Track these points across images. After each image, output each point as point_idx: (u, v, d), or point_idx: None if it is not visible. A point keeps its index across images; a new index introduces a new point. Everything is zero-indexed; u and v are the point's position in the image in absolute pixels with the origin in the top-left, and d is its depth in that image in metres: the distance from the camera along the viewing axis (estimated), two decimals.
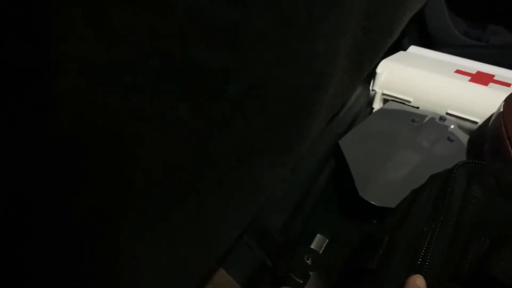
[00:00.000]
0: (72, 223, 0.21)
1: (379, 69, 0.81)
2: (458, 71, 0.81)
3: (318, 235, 0.54)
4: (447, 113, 0.76)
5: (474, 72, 0.82)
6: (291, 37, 0.29)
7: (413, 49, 0.96)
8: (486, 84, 0.76)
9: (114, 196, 0.21)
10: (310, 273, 0.48)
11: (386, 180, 0.61)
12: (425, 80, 0.79)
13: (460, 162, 0.46)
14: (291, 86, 0.32)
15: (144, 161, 0.22)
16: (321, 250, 0.53)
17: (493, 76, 0.80)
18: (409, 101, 0.80)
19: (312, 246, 0.53)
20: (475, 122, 0.73)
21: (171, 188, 0.25)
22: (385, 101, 0.84)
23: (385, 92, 0.82)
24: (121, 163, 0.20)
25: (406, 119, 0.75)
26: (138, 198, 0.23)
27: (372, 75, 0.82)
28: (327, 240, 0.54)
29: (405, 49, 0.96)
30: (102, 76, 0.17)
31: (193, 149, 0.25)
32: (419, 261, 0.38)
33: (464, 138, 0.72)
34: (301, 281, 0.46)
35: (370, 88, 0.84)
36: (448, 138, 0.70)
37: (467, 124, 0.75)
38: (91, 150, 0.19)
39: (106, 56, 0.17)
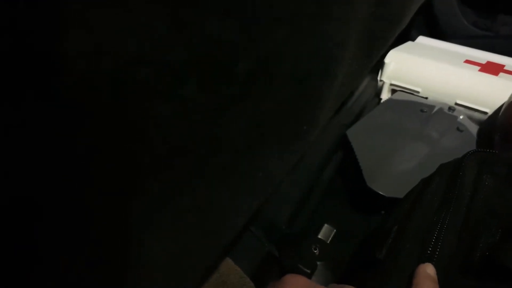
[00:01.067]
0: (76, 206, 0.20)
1: (387, 60, 0.81)
2: (467, 61, 0.80)
3: (326, 225, 0.54)
4: (456, 104, 0.75)
5: (484, 62, 0.80)
6: (302, 16, 0.29)
7: (421, 39, 0.95)
8: (496, 74, 0.75)
9: (119, 175, 0.21)
10: (318, 263, 0.47)
11: (394, 171, 0.61)
12: (434, 70, 0.78)
13: (470, 151, 0.46)
14: (301, 68, 0.32)
15: (149, 138, 0.21)
16: (329, 240, 0.53)
17: (503, 66, 0.79)
18: (417, 92, 0.79)
19: (319, 236, 0.53)
20: (485, 113, 0.73)
21: (178, 170, 0.25)
22: (393, 91, 0.83)
23: (393, 82, 0.81)
24: (125, 138, 0.20)
25: (415, 109, 0.74)
26: (143, 178, 0.23)
27: (380, 65, 0.81)
28: (335, 230, 0.54)
29: (413, 39, 0.95)
30: (107, 44, 0.17)
31: (200, 130, 0.25)
32: (429, 251, 0.38)
33: (474, 128, 0.71)
34: (309, 271, 0.46)
35: (378, 78, 0.83)
36: (457, 129, 0.70)
37: (477, 115, 0.74)
38: (94, 125, 0.18)
39: (110, 22, 0.17)
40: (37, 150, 0.17)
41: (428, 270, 0.36)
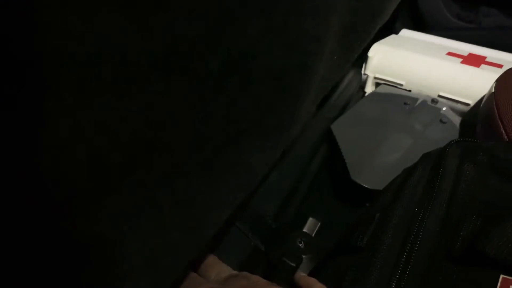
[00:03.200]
0: (49, 209, 0.20)
1: (370, 53, 0.81)
2: (450, 53, 0.81)
3: (310, 218, 0.54)
4: (439, 96, 0.76)
5: (466, 54, 0.81)
6: (276, 10, 0.28)
7: (405, 32, 0.95)
8: (478, 65, 0.76)
9: (91, 179, 0.21)
10: (303, 256, 0.48)
11: (378, 163, 0.61)
12: (417, 63, 0.79)
13: (452, 141, 0.46)
14: (277, 64, 0.32)
15: (120, 139, 0.21)
16: (314, 234, 0.53)
17: (485, 57, 0.80)
18: (401, 84, 0.80)
19: (304, 230, 0.53)
20: (467, 104, 0.73)
21: (155, 167, 0.25)
22: (377, 85, 0.84)
23: (377, 75, 0.82)
24: (96, 142, 0.20)
25: (398, 102, 0.75)
26: (118, 180, 0.22)
27: (364, 59, 0.82)
28: (319, 224, 0.54)
29: (397, 32, 0.95)
30: (70, 45, 0.17)
31: (175, 127, 0.25)
32: (411, 239, 0.38)
33: (457, 120, 0.72)
34: (294, 265, 0.46)
35: (362, 72, 0.83)
36: (441, 121, 0.70)
37: (459, 106, 0.74)
38: (62, 130, 0.18)
39: (72, 24, 0.17)
40: (6, 149, 0.17)
41: None
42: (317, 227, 0.53)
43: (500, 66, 0.76)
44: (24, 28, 0.15)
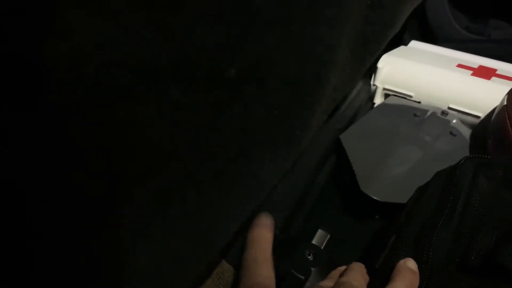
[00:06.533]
0: (63, 217, 0.20)
1: (380, 64, 0.81)
2: (460, 65, 0.80)
3: (320, 230, 0.53)
4: (449, 108, 0.75)
5: (476, 66, 0.81)
6: (293, 19, 0.28)
7: (414, 43, 0.95)
8: (488, 78, 0.75)
9: (104, 186, 0.20)
10: (312, 268, 0.47)
11: (388, 175, 0.60)
12: (427, 75, 0.78)
13: (465, 157, 0.46)
14: (293, 73, 0.31)
15: (135, 147, 0.21)
16: (323, 246, 0.52)
17: (496, 70, 0.79)
18: (410, 96, 0.79)
19: (313, 242, 0.52)
20: (478, 117, 0.73)
21: (166, 178, 0.24)
22: (386, 96, 0.83)
23: (386, 87, 0.81)
24: (110, 150, 0.19)
25: (408, 113, 0.74)
26: (131, 188, 0.22)
27: (373, 69, 0.81)
28: (329, 236, 0.53)
29: (406, 44, 0.95)
30: (89, 49, 0.16)
31: (189, 136, 0.24)
32: (425, 249, 0.38)
33: (467, 132, 0.71)
34: (302, 277, 0.45)
35: (371, 83, 0.83)
36: (451, 133, 0.70)
37: (470, 119, 0.74)
38: (78, 136, 0.18)
39: (93, 27, 0.16)
40: (22, 159, 0.17)
41: (408, 263, 0.36)
42: (326, 239, 0.53)
43: (511, 79, 0.75)
44: (38, 31, 0.15)
